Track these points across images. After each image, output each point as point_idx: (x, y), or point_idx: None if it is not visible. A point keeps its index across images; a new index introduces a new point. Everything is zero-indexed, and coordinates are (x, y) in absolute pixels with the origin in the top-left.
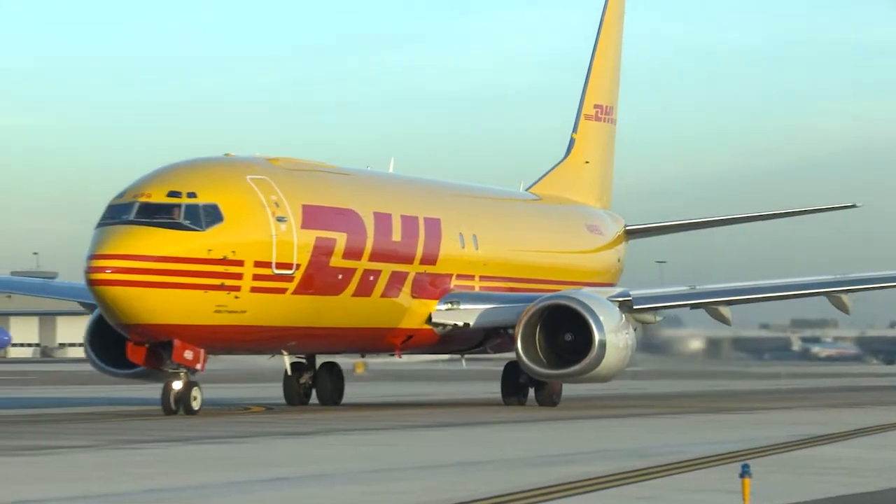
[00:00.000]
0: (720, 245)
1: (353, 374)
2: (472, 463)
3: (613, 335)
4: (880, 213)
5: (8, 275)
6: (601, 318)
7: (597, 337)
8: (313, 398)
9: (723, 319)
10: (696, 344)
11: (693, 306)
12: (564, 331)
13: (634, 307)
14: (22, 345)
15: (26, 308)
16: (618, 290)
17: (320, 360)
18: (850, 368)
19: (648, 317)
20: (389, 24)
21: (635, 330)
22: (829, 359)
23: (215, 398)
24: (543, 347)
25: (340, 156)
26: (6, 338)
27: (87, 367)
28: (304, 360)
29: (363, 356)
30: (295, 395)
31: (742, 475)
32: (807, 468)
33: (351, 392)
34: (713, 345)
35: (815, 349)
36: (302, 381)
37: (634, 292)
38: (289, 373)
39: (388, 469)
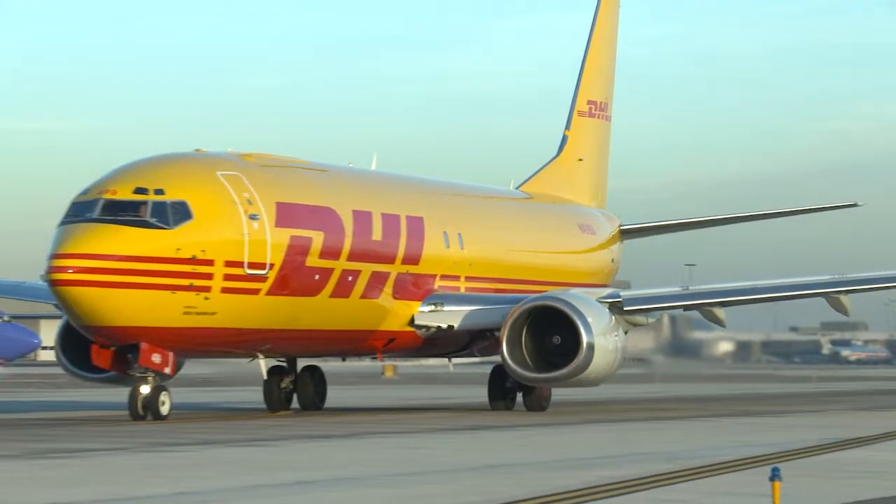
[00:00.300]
0: (745, 246)
1: (381, 377)
2: (499, 466)
3: (602, 338)
4: (883, 214)
5: (37, 280)
6: (589, 319)
7: (584, 339)
8: (294, 403)
9: (717, 321)
10: (725, 347)
11: (686, 307)
12: (552, 333)
13: (625, 308)
14: (51, 348)
15: (56, 311)
16: (607, 290)
17: (302, 363)
18: (879, 371)
19: (640, 318)
20: (390, 27)
21: (626, 333)
22: (859, 362)
23: (201, 402)
24: (530, 350)
25: (338, 156)
26: (36, 341)
27: None
28: (284, 364)
29: (344, 359)
30: (276, 399)
31: (772, 479)
32: (837, 471)
33: (333, 396)
34: (743, 348)
35: (845, 352)
36: (282, 385)
37: (625, 293)
38: (265, 377)
39: (416, 472)
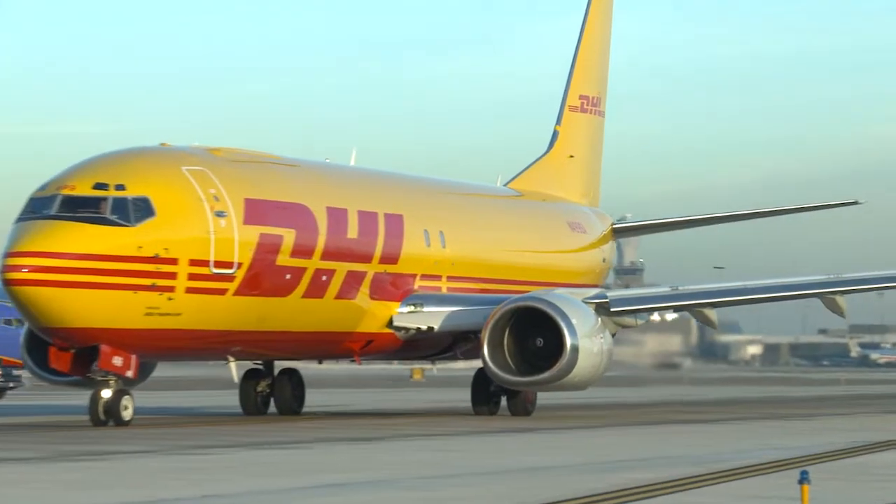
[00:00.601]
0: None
1: (409, 381)
2: (529, 469)
3: (587, 340)
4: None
5: None
6: (573, 321)
7: (568, 341)
8: (272, 408)
9: (708, 322)
10: (754, 350)
11: (676, 308)
12: (535, 335)
13: (612, 309)
14: None
15: None
16: (594, 291)
17: (279, 366)
18: None
19: (628, 320)
20: (386, 31)
21: (613, 335)
22: (889, 365)
23: (169, 406)
24: (513, 353)
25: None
26: None
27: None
28: (261, 367)
29: (320, 362)
30: (251, 403)
31: (801, 482)
32: (866, 475)
33: (311, 400)
34: (771, 350)
35: (874, 355)
36: (259, 388)
37: (612, 293)
38: (235, 380)
39: (447, 475)
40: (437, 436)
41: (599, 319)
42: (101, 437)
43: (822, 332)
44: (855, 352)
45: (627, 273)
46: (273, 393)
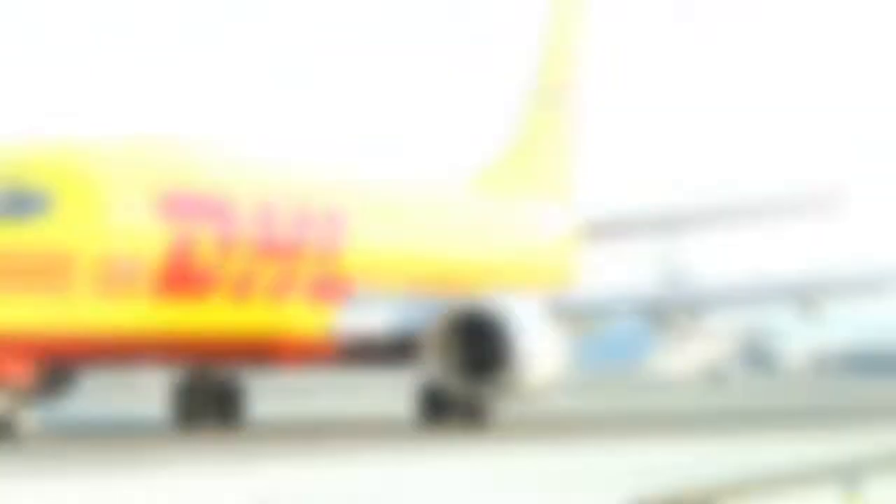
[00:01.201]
0: None
1: None
2: (562, 474)
3: (536, 346)
4: None
5: None
6: (521, 325)
7: (515, 348)
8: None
9: (677, 327)
10: (803, 358)
11: (639, 312)
12: (481, 341)
13: (565, 314)
14: None
15: None
16: (546, 293)
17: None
18: None
19: (585, 324)
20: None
21: (571, 339)
22: None
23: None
24: (458, 360)
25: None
26: None
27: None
28: (195, 376)
29: (257, 370)
30: (183, 414)
31: (852, 491)
32: None
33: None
34: (822, 358)
35: None
36: (193, 398)
37: (565, 297)
38: (154, 389)
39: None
40: (454, 443)
41: (550, 325)
42: (120, 445)
43: (875, 339)
44: None
45: (675, 280)
46: (208, 403)
